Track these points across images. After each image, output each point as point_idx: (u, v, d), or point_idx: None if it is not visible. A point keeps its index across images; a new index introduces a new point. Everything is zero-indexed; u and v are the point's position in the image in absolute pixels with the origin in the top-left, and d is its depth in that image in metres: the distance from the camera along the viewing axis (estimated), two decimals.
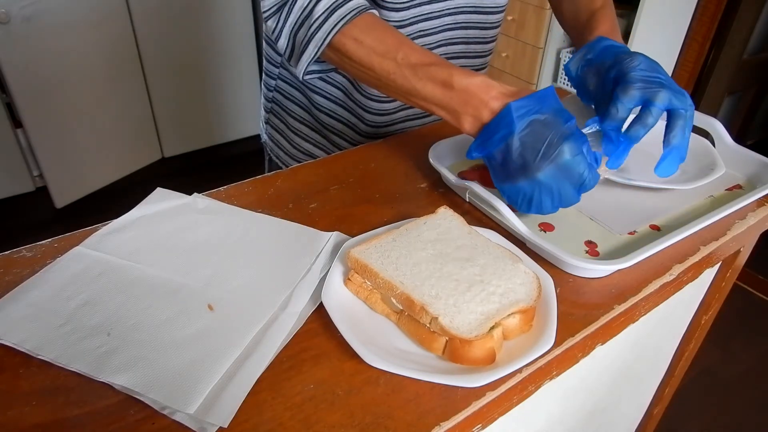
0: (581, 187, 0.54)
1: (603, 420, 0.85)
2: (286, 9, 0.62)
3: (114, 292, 0.50)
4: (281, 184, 0.66)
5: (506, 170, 0.55)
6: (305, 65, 0.64)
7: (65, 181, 2.26)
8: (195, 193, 0.62)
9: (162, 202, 0.61)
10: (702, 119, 0.73)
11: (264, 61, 0.91)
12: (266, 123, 0.95)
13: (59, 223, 2.24)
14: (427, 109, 0.60)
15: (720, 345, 1.86)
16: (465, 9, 0.78)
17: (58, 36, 2.05)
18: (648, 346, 0.80)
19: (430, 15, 0.75)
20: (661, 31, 2.06)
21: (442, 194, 0.66)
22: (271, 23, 0.64)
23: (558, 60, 2.39)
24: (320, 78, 0.82)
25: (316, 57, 0.63)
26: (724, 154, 0.71)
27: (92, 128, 2.28)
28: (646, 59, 0.57)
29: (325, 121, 0.86)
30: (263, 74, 0.92)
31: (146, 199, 0.61)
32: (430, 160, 0.65)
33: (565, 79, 2.40)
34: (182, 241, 0.56)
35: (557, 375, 0.49)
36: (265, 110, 0.94)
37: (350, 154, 0.74)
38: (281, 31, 0.64)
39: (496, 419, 0.46)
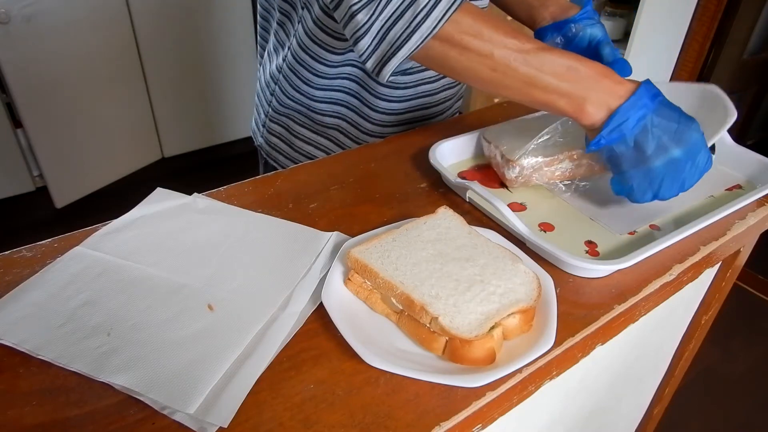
0: (701, 166, 0.57)
1: (603, 420, 0.85)
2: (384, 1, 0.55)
3: (114, 292, 0.50)
4: (281, 184, 0.66)
5: (641, 154, 0.56)
6: (398, 62, 0.57)
7: (65, 181, 2.26)
8: (195, 193, 0.62)
9: (162, 202, 0.61)
10: None
11: (263, 63, 0.90)
12: (263, 127, 0.95)
13: (59, 223, 2.24)
14: (545, 101, 0.56)
15: (720, 345, 1.86)
16: None
17: (58, 36, 2.05)
18: (648, 346, 0.80)
19: None
20: (661, 31, 2.05)
21: (442, 194, 0.66)
22: (361, 17, 0.56)
23: None
24: (326, 87, 0.81)
25: (416, 51, 0.56)
26: (724, 154, 0.71)
27: (92, 128, 2.28)
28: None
29: (328, 123, 0.86)
30: (261, 76, 0.92)
31: (146, 199, 0.61)
32: (430, 160, 0.65)
33: None
34: (182, 241, 0.56)
35: (557, 375, 0.49)
36: (264, 114, 0.94)
37: (350, 154, 0.74)
38: (371, 26, 0.56)
39: (496, 419, 0.46)
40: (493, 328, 0.44)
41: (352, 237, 0.56)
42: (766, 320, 2.02)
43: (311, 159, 0.90)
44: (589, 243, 0.58)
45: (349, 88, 0.82)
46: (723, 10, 2.06)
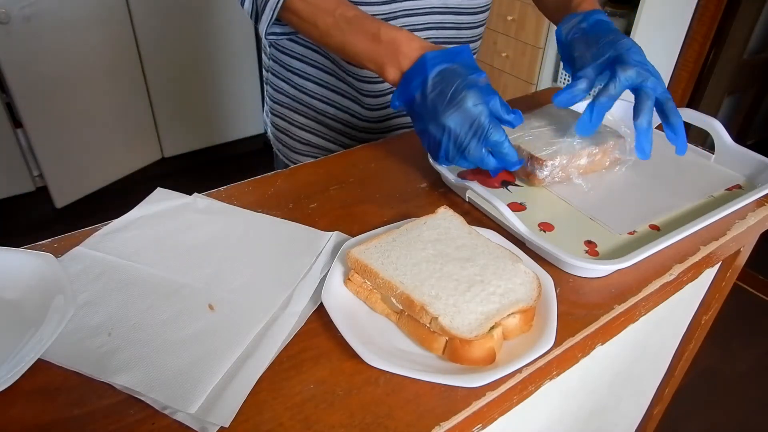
0: (483, 139, 0.56)
1: (603, 420, 0.85)
2: None
3: (114, 292, 0.50)
4: (281, 184, 0.66)
5: (422, 116, 0.59)
6: (265, 26, 0.70)
7: (65, 181, 2.26)
8: (195, 193, 0.62)
9: (162, 202, 0.61)
10: (702, 119, 0.73)
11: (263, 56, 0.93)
12: (269, 115, 0.96)
13: (59, 223, 2.24)
14: (361, 63, 0.65)
15: (720, 345, 1.86)
16: (440, 10, 0.79)
17: (58, 36, 2.05)
18: (648, 346, 0.80)
19: (410, 11, 0.77)
20: (661, 31, 2.05)
21: (442, 194, 0.66)
22: None
23: (558, 60, 2.39)
24: (305, 62, 0.84)
25: (272, 19, 0.69)
26: (724, 154, 0.71)
27: (92, 128, 2.28)
28: (635, 44, 0.63)
29: (322, 109, 0.87)
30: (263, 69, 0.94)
31: (146, 199, 0.61)
32: (430, 160, 0.65)
33: (565, 79, 2.40)
34: (183, 241, 0.56)
35: (557, 375, 0.49)
36: (267, 102, 0.96)
37: (350, 154, 0.74)
38: None
39: (496, 419, 0.46)
40: (493, 328, 0.44)
41: (352, 237, 0.56)
42: (766, 320, 2.01)
43: (312, 147, 0.90)
44: (589, 243, 0.58)
45: (332, 70, 0.83)
46: (723, 10, 2.05)
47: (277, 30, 0.73)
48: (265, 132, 1.00)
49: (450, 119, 0.56)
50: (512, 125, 0.59)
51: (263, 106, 1.01)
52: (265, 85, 0.94)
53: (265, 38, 0.73)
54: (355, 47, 0.64)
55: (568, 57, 0.69)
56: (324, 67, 0.83)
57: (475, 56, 0.89)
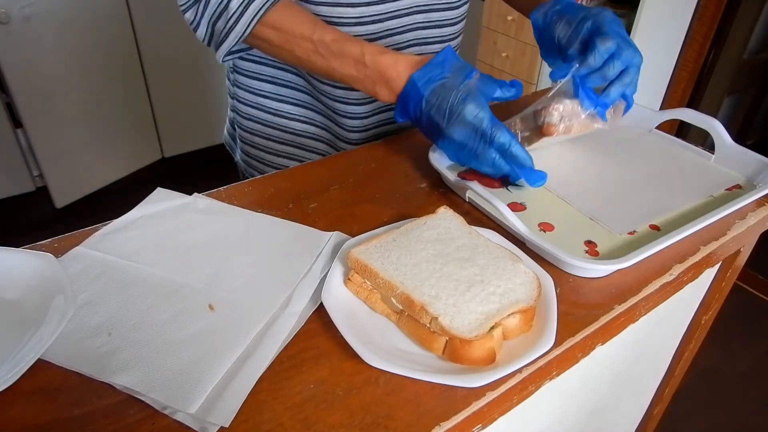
0: (490, 143, 0.58)
1: (603, 420, 0.85)
2: (203, 2, 0.65)
3: (114, 292, 0.50)
4: (281, 184, 0.66)
5: (428, 130, 0.62)
6: (224, 53, 0.68)
7: (65, 181, 2.27)
8: (195, 193, 0.62)
9: (162, 202, 0.61)
10: (702, 119, 0.73)
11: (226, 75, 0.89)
12: (237, 142, 0.92)
13: (59, 223, 2.24)
14: (349, 86, 0.66)
15: (720, 345, 1.86)
16: (423, 26, 0.78)
17: (58, 36, 2.05)
18: (648, 346, 0.80)
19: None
20: (661, 31, 2.06)
21: (442, 194, 0.66)
22: (189, 15, 0.67)
23: None
24: (278, 84, 0.81)
25: (235, 46, 0.67)
26: (724, 154, 0.71)
27: (92, 128, 2.29)
28: (614, 14, 0.64)
29: (302, 130, 0.85)
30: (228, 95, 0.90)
31: (146, 199, 0.61)
32: (430, 160, 0.65)
33: None
34: (182, 241, 0.56)
35: (557, 375, 0.49)
36: (235, 129, 0.91)
37: (350, 154, 0.74)
38: (199, 21, 0.67)
39: (496, 419, 0.46)
40: (493, 328, 0.44)
41: (352, 237, 0.56)
42: (766, 320, 2.02)
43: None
44: (589, 243, 0.58)
45: (307, 102, 0.81)
46: (723, 10, 2.06)
47: (234, 48, 0.69)
48: (233, 158, 0.97)
49: (455, 133, 0.59)
50: (515, 97, 0.61)
51: (225, 130, 0.96)
52: (230, 112, 0.90)
53: (222, 61, 0.70)
54: (340, 73, 0.64)
55: (548, 40, 0.70)
56: (298, 86, 0.80)
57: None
